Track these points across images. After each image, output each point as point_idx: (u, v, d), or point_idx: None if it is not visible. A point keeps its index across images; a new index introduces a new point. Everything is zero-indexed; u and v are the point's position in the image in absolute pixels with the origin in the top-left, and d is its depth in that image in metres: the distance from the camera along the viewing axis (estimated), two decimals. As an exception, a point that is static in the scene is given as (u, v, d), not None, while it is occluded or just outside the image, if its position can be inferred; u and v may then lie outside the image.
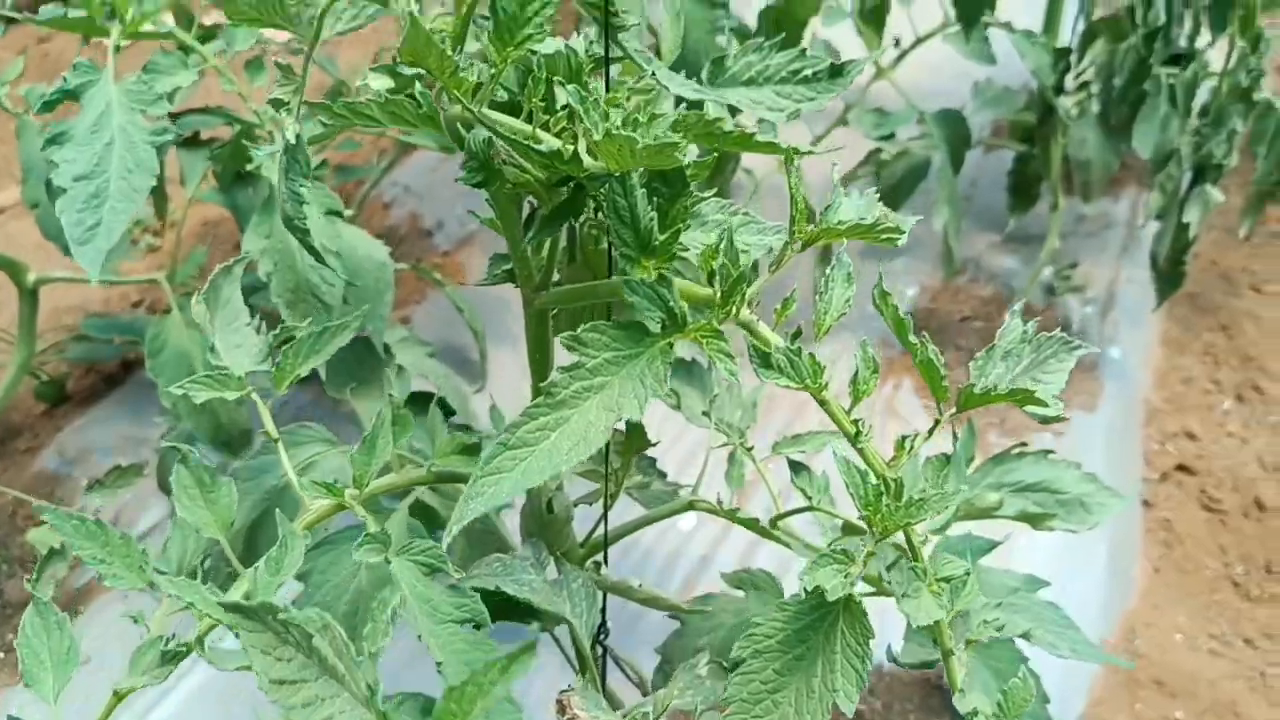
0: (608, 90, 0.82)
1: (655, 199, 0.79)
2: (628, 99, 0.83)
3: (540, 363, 0.96)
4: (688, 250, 0.83)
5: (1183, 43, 1.89)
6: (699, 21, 1.75)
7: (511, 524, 1.35)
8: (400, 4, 0.77)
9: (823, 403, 0.78)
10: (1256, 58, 1.67)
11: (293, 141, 0.82)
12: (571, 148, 0.73)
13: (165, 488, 1.78)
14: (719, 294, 0.73)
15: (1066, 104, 1.96)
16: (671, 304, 0.71)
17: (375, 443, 0.88)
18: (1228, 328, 2.27)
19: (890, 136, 1.91)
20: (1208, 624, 1.86)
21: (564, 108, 0.75)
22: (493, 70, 0.74)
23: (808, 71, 1.24)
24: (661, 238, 0.77)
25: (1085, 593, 1.79)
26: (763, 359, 0.72)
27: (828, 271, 0.83)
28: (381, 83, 0.85)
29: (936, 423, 0.82)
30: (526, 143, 0.75)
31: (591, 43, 0.85)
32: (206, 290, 1.09)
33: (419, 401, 1.79)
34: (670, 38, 1.20)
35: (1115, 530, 1.91)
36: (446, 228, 2.46)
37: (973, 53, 1.83)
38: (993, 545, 1.16)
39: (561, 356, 1.37)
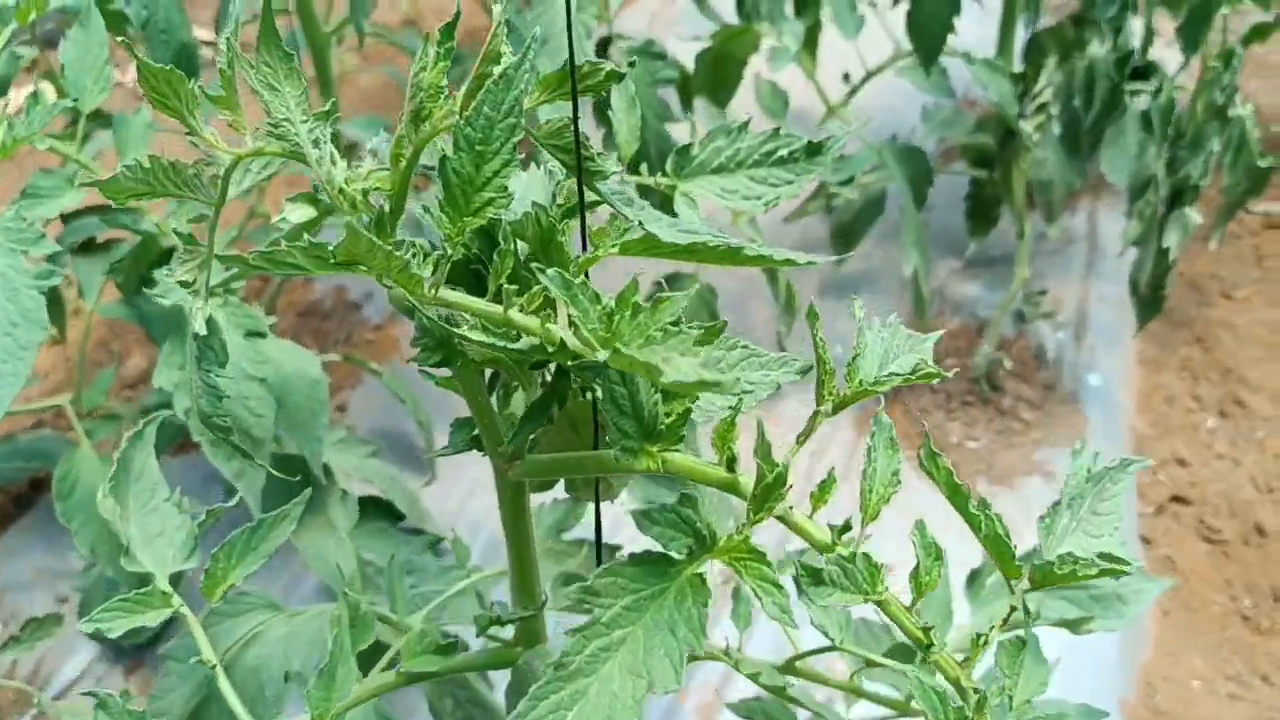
0: (585, 245, 0.67)
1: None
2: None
3: (520, 545, 0.81)
4: (697, 425, 0.69)
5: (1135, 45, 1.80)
6: (649, 106, 1.62)
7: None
8: (323, 168, 0.62)
9: (882, 605, 0.64)
10: (1229, 74, 1.57)
11: (203, 333, 0.67)
12: (556, 334, 0.59)
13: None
14: (752, 499, 0.59)
15: (1026, 128, 1.86)
16: (699, 525, 0.57)
17: (335, 675, 0.73)
18: (1203, 340, 2.18)
19: (850, 180, 1.78)
20: (1223, 665, 1.77)
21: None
22: (446, 247, 0.59)
23: (783, 152, 1.11)
24: (669, 420, 0.63)
25: (1100, 648, 1.68)
26: (811, 575, 0.58)
27: (870, 439, 0.70)
28: (301, 214, 0.70)
29: (1012, 609, 0.68)
30: (496, 330, 0.61)
31: (559, 183, 0.71)
32: (114, 472, 0.92)
33: (365, 508, 1.64)
34: (626, 129, 1.06)
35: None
36: (376, 299, 2.29)
37: (932, 87, 1.71)
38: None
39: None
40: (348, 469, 1.65)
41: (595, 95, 0.63)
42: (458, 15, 0.63)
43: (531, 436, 0.78)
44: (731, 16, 1.88)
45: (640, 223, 0.65)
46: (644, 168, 1.55)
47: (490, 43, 0.61)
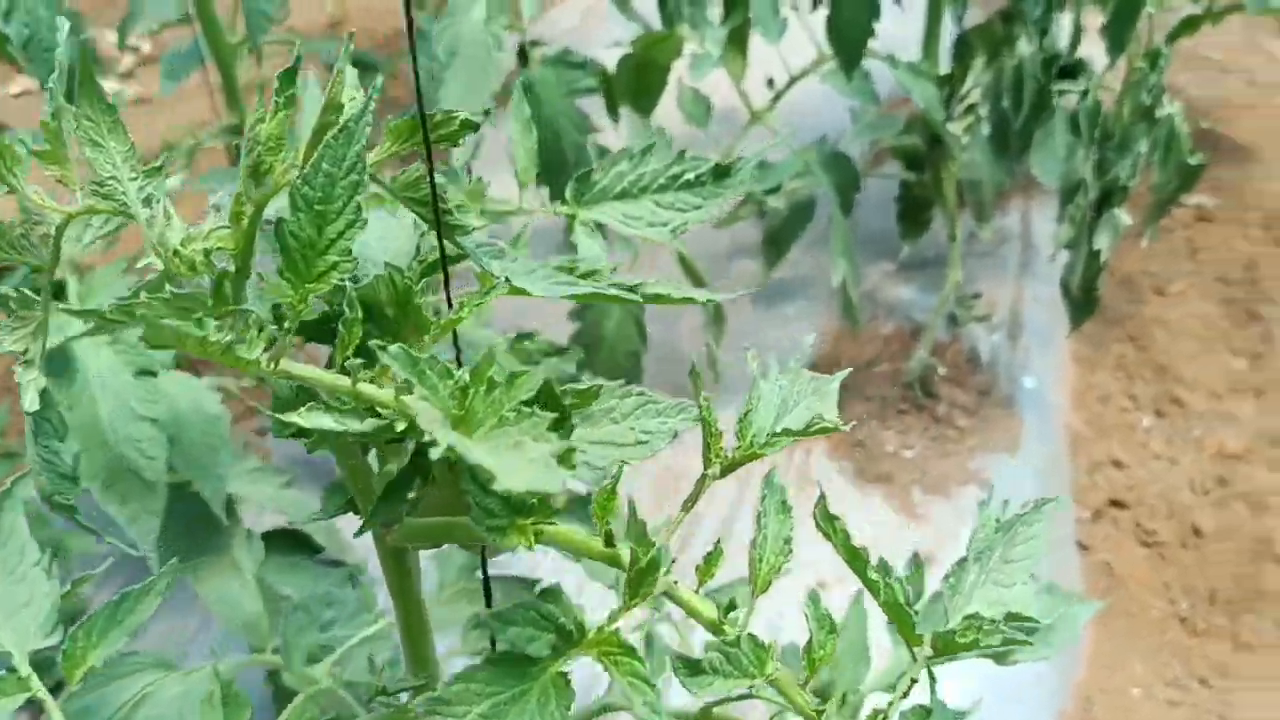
0: (450, 305, 0.62)
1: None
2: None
3: (407, 611, 0.76)
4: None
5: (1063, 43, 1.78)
6: (565, 118, 1.56)
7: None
8: (154, 229, 0.56)
9: (774, 684, 0.60)
10: (1156, 74, 1.54)
11: (33, 408, 0.61)
12: (412, 409, 0.54)
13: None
14: (626, 584, 0.55)
15: (954, 130, 1.82)
16: (562, 620, 0.52)
17: (200, 766, 0.68)
18: (1137, 338, 2.17)
19: (776, 189, 1.74)
20: (1162, 669, 1.75)
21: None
22: (287, 319, 0.54)
23: (690, 175, 1.06)
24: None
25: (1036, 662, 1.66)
26: (689, 668, 0.54)
27: (761, 504, 0.65)
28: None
29: (913, 681, 0.64)
30: (345, 405, 0.56)
31: (422, 234, 0.66)
32: (-25, 538, 0.86)
33: (280, 541, 1.58)
34: (524, 153, 1.00)
35: (1056, 583, 1.78)
36: (298, 315, 2.22)
37: (855, 91, 1.67)
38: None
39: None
40: (261, 500, 1.59)
41: (450, 144, 0.58)
42: (298, 61, 0.57)
43: (412, 495, 0.73)
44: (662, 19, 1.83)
45: (507, 279, 0.60)
46: (546, 191, 1.51)
47: (330, 90, 0.56)
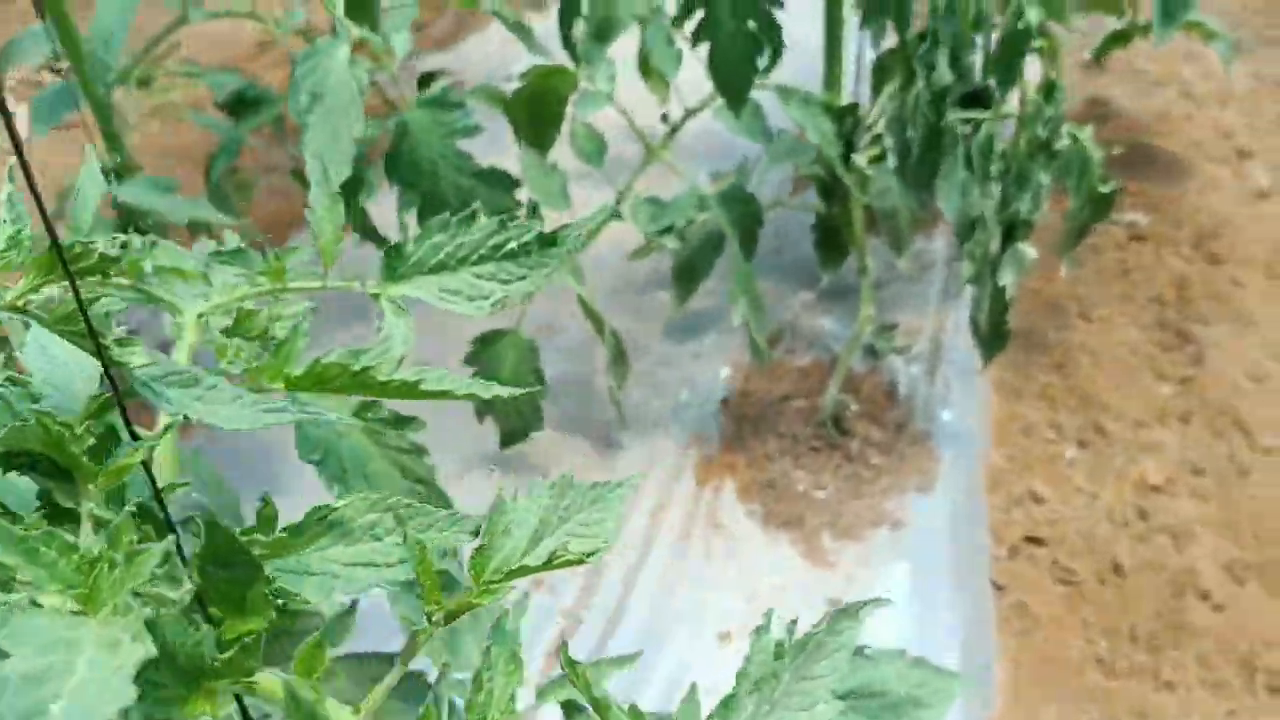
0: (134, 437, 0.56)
1: (212, 590, 0.54)
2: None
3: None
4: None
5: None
6: (444, 161, 1.50)
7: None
8: None
9: None
10: (1053, 107, 1.49)
11: None
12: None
13: None
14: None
15: (861, 160, 1.77)
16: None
17: None
18: (1062, 365, 2.12)
19: (668, 230, 1.68)
20: (1079, 714, 1.70)
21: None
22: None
23: (513, 244, 1.00)
24: (222, 656, 0.53)
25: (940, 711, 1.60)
26: None
27: (486, 655, 0.59)
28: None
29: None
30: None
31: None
32: None
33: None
34: (329, 231, 0.94)
35: (968, 625, 1.73)
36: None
37: (745, 129, 1.61)
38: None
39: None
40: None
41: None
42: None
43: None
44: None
45: (188, 415, 0.54)
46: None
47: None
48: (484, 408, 1.78)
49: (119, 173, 1.84)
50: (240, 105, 1.85)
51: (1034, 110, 1.50)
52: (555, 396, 2.02)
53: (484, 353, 1.75)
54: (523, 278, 1.00)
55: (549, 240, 1.01)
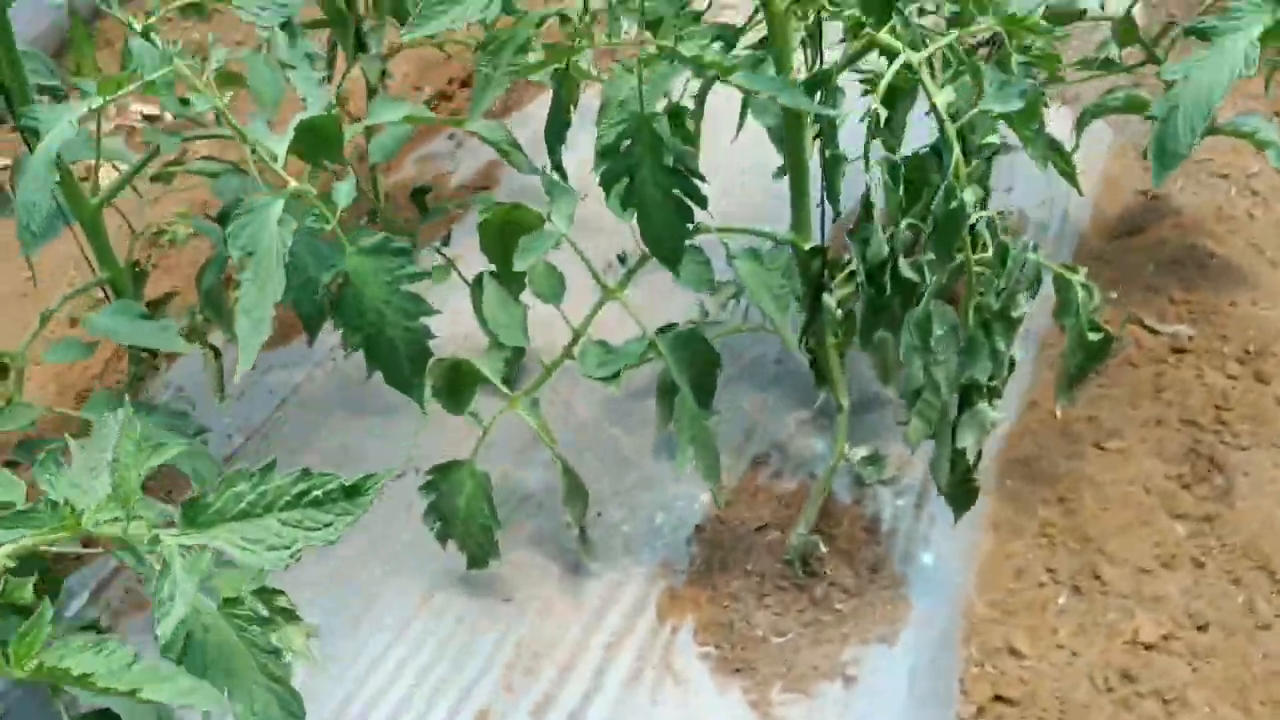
0: None
1: None
2: None
3: None
4: None
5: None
6: (391, 308, 1.51)
7: None
8: None
9: None
10: (1004, 278, 1.41)
11: None
12: None
13: None
14: None
15: (831, 301, 1.72)
16: None
17: None
18: (1066, 500, 2.01)
19: (615, 377, 1.66)
20: None
21: None
22: None
23: (317, 493, 1.01)
24: None
25: None
26: None
27: None
28: None
29: None
30: None
31: None
32: None
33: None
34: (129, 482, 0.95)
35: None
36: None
37: (692, 281, 1.57)
38: None
39: None
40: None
41: None
42: None
43: None
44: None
45: None
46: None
47: None
48: (443, 534, 1.79)
49: (115, 288, 1.92)
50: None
51: (983, 282, 1.43)
52: (533, 513, 2.02)
53: (441, 482, 1.76)
54: (328, 524, 1.01)
55: (353, 490, 1.01)
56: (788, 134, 1.60)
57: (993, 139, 1.68)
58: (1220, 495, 2.05)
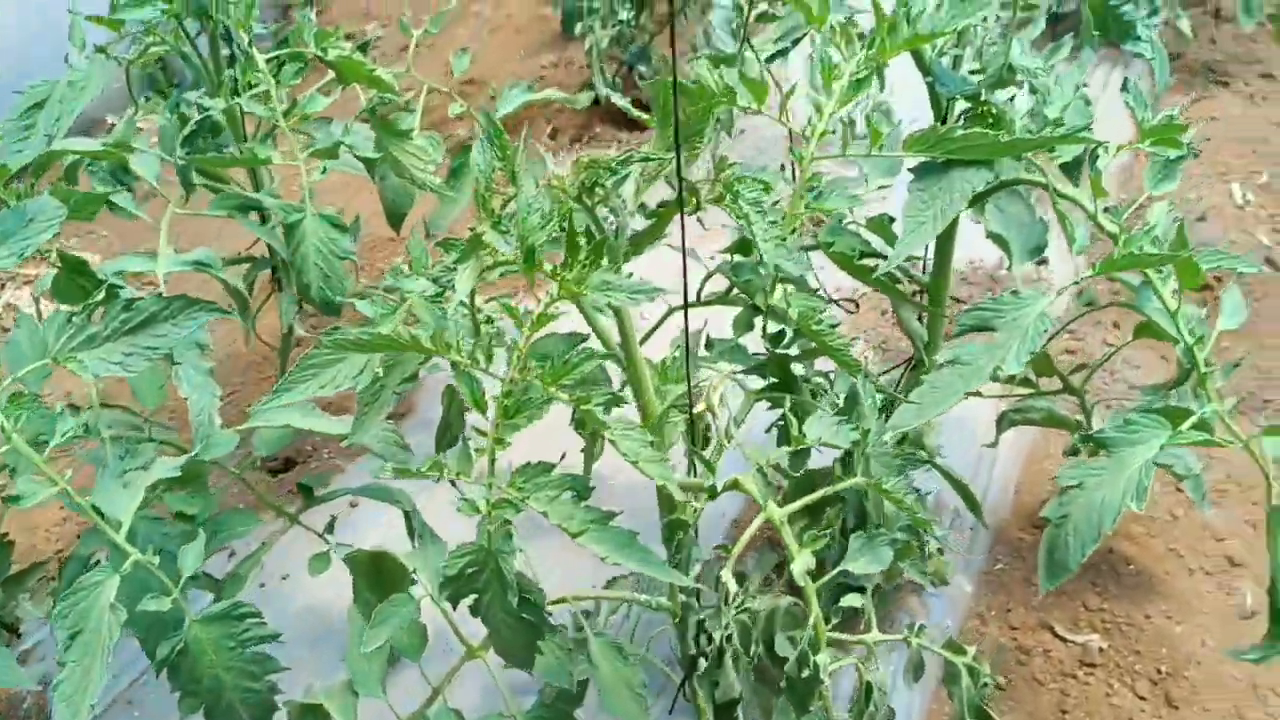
0: None
1: None
2: None
3: None
4: None
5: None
6: (234, 673, 1.43)
7: None
8: None
9: None
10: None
11: None
12: None
13: None
14: None
15: (702, 666, 1.65)
16: None
17: None
18: None
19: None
20: None
21: None
22: None
23: None
24: None
25: None
26: None
27: None
28: None
29: None
30: None
31: None
32: None
33: None
34: None
35: None
36: None
37: (547, 674, 1.49)
38: None
39: None
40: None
41: None
42: None
43: None
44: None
45: None
46: None
47: None
48: None
49: None
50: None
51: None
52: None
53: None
54: None
55: None
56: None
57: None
58: None
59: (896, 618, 2.28)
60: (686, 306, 1.39)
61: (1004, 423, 2.27)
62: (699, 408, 1.31)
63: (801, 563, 1.21)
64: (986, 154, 1.43)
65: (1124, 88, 1.71)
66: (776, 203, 1.56)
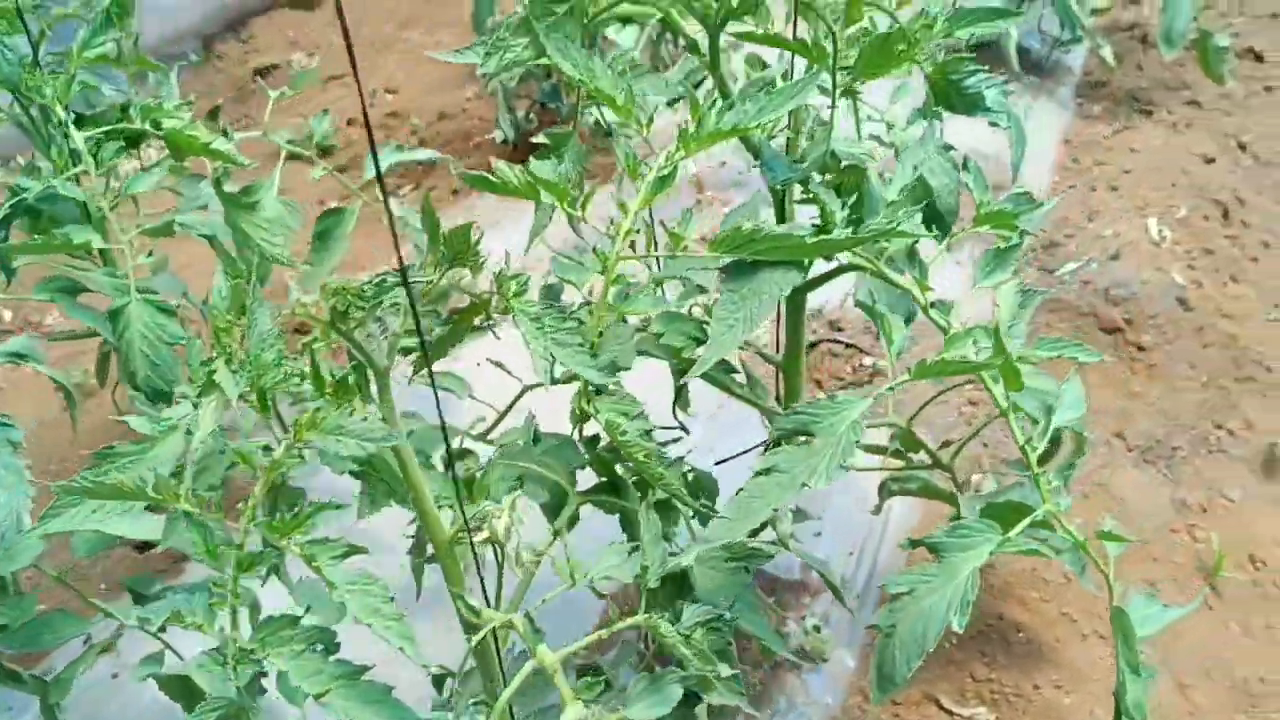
0: None
1: None
2: None
3: None
4: None
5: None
6: None
7: None
8: None
9: None
10: None
11: None
12: None
13: None
14: None
15: None
16: None
17: None
18: None
19: None
20: None
21: None
22: None
23: None
24: None
25: None
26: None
27: None
28: None
29: None
30: None
31: None
32: None
33: None
34: None
35: None
36: None
37: None
38: None
39: None
40: None
41: None
42: None
43: None
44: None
45: None
46: None
47: None
48: None
49: None
50: None
51: None
52: None
53: None
54: None
55: None
56: None
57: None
58: None
59: (773, 698, 2.20)
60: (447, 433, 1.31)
61: (884, 492, 2.20)
62: (480, 537, 1.24)
63: (572, 714, 1.13)
64: (793, 255, 1.36)
65: (965, 166, 1.64)
66: (587, 303, 1.49)
